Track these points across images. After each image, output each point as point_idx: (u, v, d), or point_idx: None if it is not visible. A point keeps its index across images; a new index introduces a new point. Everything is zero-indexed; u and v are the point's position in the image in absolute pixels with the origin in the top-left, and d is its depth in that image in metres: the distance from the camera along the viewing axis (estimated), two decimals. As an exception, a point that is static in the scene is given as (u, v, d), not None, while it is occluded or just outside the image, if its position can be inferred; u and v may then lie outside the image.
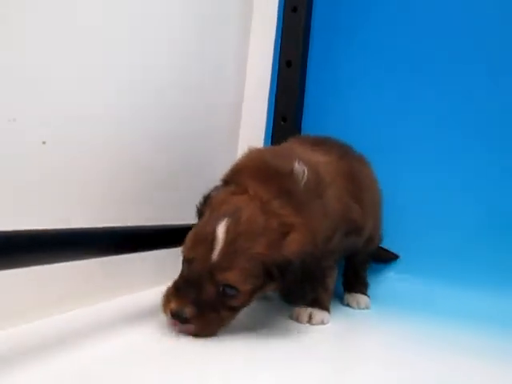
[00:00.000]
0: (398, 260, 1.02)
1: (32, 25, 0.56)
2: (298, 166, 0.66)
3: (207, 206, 0.64)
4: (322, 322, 0.73)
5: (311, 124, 1.07)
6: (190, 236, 0.61)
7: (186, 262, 0.61)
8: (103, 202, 0.70)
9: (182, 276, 0.62)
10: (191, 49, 0.90)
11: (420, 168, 1.02)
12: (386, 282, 1.01)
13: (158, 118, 0.81)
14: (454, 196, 0.99)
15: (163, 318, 0.61)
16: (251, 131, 1.13)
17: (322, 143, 0.82)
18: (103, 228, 0.62)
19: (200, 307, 0.58)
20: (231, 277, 0.58)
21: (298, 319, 0.73)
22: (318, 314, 0.73)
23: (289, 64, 1.06)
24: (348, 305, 0.90)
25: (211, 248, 0.58)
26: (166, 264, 0.80)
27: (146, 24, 0.77)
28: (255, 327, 0.67)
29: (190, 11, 0.88)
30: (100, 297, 0.71)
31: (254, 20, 1.15)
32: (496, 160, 0.98)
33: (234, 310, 0.62)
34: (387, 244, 1.01)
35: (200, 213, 0.65)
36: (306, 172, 0.65)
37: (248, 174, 0.65)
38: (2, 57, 0.53)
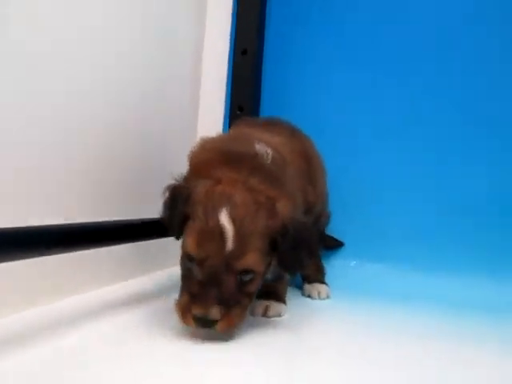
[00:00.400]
0: (347, 246, 1.04)
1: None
2: (260, 147, 0.66)
3: (190, 204, 0.60)
4: (279, 315, 0.72)
5: (268, 112, 1.06)
6: (192, 236, 0.59)
7: (198, 262, 0.58)
8: (60, 198, 0.69)
9: (192, 280, 0.59)
10: (146, 39, 0.88)
11: (370, 154, 1.03)
12: (339, 268, 1.01)
13: (113, 111, 0.80)
14: (408, 180, 1.01)
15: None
16: (209, 121, 1.11)
17: (271, 124, 0.81)
18: (60, 225, 0.60)
19: (224, 303, 0.56)
20: (249, 260, 0.58)
21: (253, 312, 0.71)
22: (274, 307, 0.72)
23: (244, 52, 1.04)
24: (309, 296, 0.88)
25: (222, 240, 0.56)
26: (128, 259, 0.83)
27: (103, 21, 0.75)
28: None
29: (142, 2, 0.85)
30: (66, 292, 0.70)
31: (209, 9, 1.12)
32: (450, 145, 0.99)
33: (251, 295, 0.62)
34: (336, 231, 1.02)
35: (181, 213, 0.61)
36: (269, 152, 0.66)
37: (215, 165, 0.64)
38: None
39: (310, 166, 0.80)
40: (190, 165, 0.69)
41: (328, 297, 0.88)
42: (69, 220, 0.67)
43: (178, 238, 0.64)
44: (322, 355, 0.59)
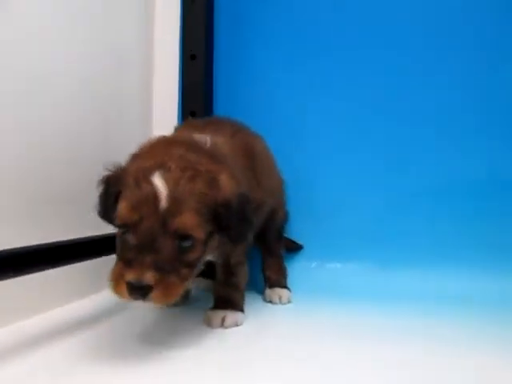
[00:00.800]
0: (307, 248, 1.03)
1: None
2: (199, 136, 0.66)
3: (121, 181, 0.58)
4: (236, 324, 0.70)
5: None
6: (123, 203, 0.55)
7: (132, 227, 0.54)
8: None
9: (126, 247, 0.55)
10: (94, 48, 0.86)
11: (328, 154, 1.03)
12: (299, 270, 1.00)
13: (65, 122, 0.78)
14: (359, 178, 1.01)
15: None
16: (163, 127, 1.08)
17: (214, 124, 0.80)
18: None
19: (160, 269, 0.52)
20: (185, 220, 0.54)
21: (210, 324, 0.70)
22: (231, 316, 0.71)
23: (193, 57, 1.02)
24: (270, 301, 0.87)
25: (156, 200, 0.54)
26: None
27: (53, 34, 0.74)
28: (165, 336, 0.65)
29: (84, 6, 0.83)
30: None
31: (157, 16, 1.10)
32: (406, 137, 0.99)
33: (192, 265, 0.58)
34: (295, 232, 1.02)
35: (114, 192, 0.59)
36: (208, 140, 0.66)
37: (150, 150, 0.63)
38: None
39: (254, 163, 0.77)
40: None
41: (289, 301, 0.87)
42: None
43: (114, 224, 0.59)
44: (279, 362, 0.58)
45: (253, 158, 0.78)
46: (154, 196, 0.54)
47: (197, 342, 0.63)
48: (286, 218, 0.97)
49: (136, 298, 0.53)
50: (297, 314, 0.81)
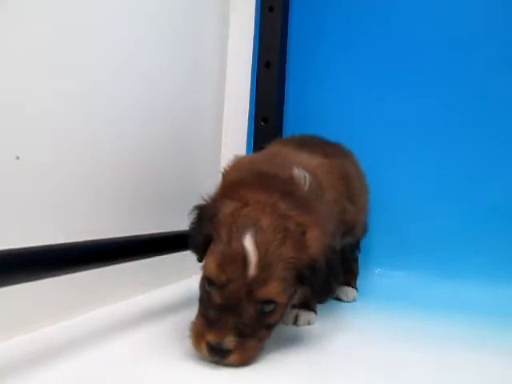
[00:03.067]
0: (371, 254, 1.05)
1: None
2: (298, 171, 0.64)
3: (214, 225, 0.57)
4: (309, 323, 0.73)
5: (292, 124, 1.08)
6: (213, 259, 0.56)
7: (218, 287, 0.54)
8: (88, 215, 0.70)
9: (210, 304, 0.55)
10: (169, 54, 0.89)
11: (396, 161, 1.05)
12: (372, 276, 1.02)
13: (141, 130, 0.81)
14: (431, 189, 1.02)
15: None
16: (234, 133, 1.13)
17: (309, 144, 0.80)
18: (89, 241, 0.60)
19: (240, 333, 0.53)
20: (271, 289, 0.54)
21: (283, 321, 0.73)
22: (304, 315, 0.73)
23: (267, 65, 1.06)
24: (337, 298, 0.90)
25: (244, 265, 0.53)
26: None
27: (134, 47, 0.77)
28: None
29: (164, 15, 0.87)
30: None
31: (232, 22, 1.14)
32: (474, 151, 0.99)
33: (271, 327, 0.58)
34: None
35: (205, 234, 0.59)
36: (307, 176, 0.63)
37: (246, 186, 0.61)
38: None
39: (349, 187, 0.77)
40: (222, 183, 0.67)
41: (354, 300, 0.91)
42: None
43: (200, 260, 0.61)
44: (347, 366, 0.60)
45: (347, 178, 0.77)
46: (244, 261, 0.53)
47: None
48: (367, 228, 0.96)
49: (214, 358, 0.54)
50: (363, 317, 0.83)
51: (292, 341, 0.66)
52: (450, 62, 1.01)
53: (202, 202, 0.63)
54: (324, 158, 0.74)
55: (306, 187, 0.63)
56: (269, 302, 0.55)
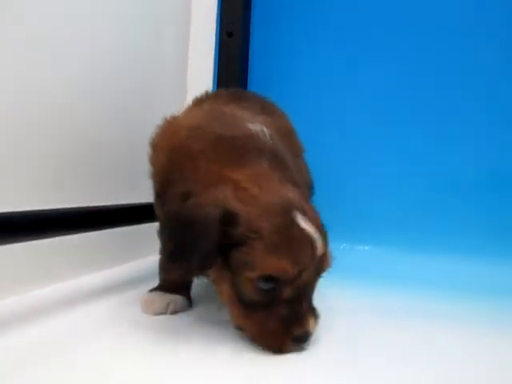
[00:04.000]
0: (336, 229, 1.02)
1: None
2: (254, 126, 0.59)
3: (240, 224, 0.49)
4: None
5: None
6: (279, 255, 0.49)
7: (290, 280, 0.49)
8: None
9: (278, 301, 0.50)
10: (133, 24, 0.88)
11: (358, 133, 1.03)
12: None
13: (103, 100, 0.80)
14: (394, 164, 1.01)
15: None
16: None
17: (243, 99, 0.73)
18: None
19: (312, 310, 0.53)
20: (329, 260, 0.54)
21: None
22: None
23: (230, 35, 1.04)
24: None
25: (313, 248, 0.50)
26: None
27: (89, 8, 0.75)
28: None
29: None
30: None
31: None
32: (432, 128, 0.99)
33: None
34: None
35: (214, 241, 0.49)
36: (265, 130, 0.59)
37: (219, 160, 0.54)
38: None
39: (294, 146, 0.73)
40: (178, 163, 0.57)
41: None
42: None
43: (202, 271, 0.53)
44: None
45: (296, 142, 0.75)
46: (312, 244, 0.50)
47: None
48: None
49: (298, 346, 0.52)
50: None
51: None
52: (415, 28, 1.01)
53: (179, 206, 0.53)
54: (265, 115, 0.68)
55: (270, 140, 0.58)
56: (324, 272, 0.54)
